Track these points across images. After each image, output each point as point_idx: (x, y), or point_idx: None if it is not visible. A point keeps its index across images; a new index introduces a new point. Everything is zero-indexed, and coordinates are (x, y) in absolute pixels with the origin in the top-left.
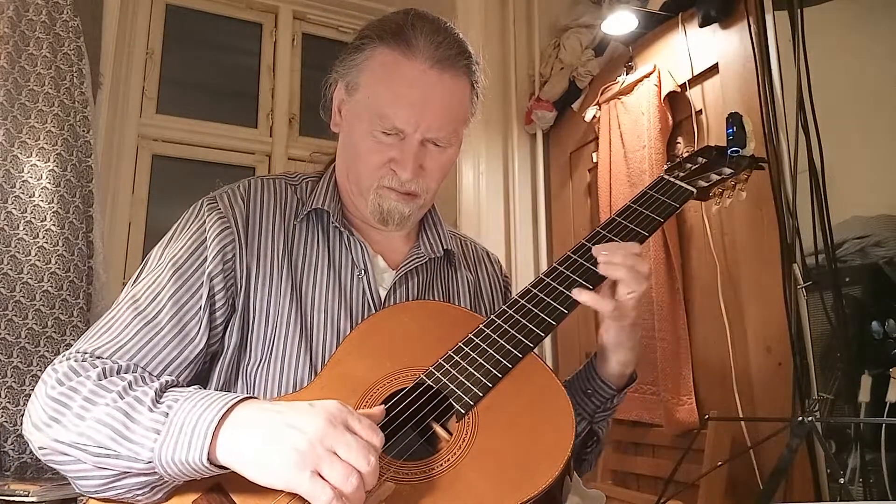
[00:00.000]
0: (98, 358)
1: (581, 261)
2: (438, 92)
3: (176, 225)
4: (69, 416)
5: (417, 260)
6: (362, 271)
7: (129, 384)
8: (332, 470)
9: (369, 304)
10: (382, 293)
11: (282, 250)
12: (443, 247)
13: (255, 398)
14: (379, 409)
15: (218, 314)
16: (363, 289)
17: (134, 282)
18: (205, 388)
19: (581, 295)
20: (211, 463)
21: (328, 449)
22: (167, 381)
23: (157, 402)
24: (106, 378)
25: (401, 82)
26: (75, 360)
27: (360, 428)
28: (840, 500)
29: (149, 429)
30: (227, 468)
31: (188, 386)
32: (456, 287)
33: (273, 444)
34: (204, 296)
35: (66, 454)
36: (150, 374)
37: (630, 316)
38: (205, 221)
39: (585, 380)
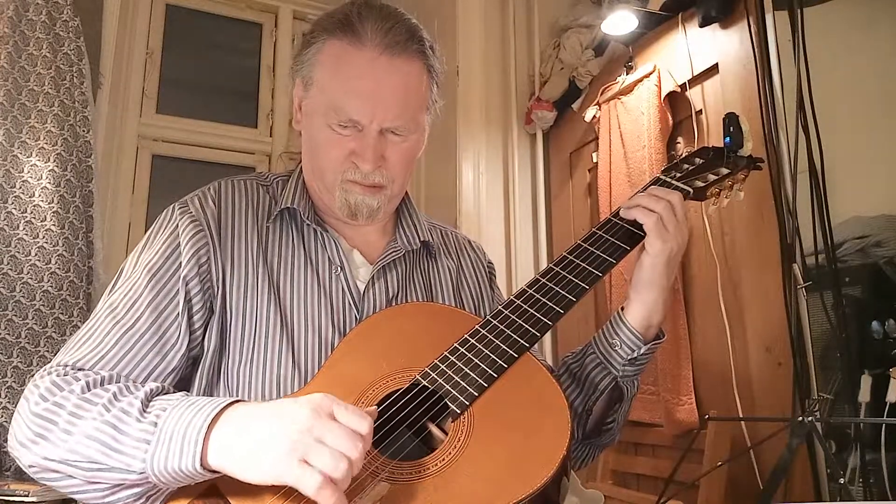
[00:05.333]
0: (80, 370)
1: (578, 261)
2: (390, 79)
3: (148, 232)
4: (56, 433)
5: (394, 254)
6: (339, 268)
7: (114, 395)
8: (319, 457)
9: (349, 301)
10: (361, 287)
11: (256, 250)
12: (420, 238)
13: (243, 401)
14: (372, 409)
15: (196, 318)
16: (342, 286)
17: (110, 290)
18: (188, 392)
19: (631, 212)
20: (203, 467)
21: (315, 438)
22: (152, 389)
23: (145, 411)
24: (90, 391)
25: (351, 73)
26: (57, 375)
27: (347, 416)
28: (840, 500)
29: (139, 440)
30: (220, 472)
31: (173, 391)
32: (437, 277)
33: (260, 440)
34: (181, 301)
35: (56, 471)
36: (133, 382)
37: (672, 243)
38: (177, 226)
39: (612, 331)
